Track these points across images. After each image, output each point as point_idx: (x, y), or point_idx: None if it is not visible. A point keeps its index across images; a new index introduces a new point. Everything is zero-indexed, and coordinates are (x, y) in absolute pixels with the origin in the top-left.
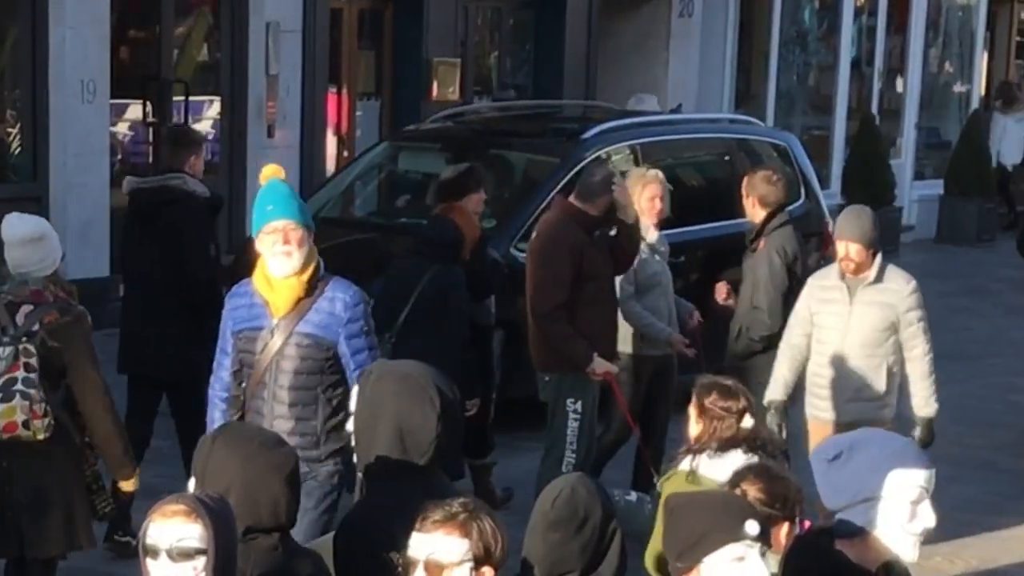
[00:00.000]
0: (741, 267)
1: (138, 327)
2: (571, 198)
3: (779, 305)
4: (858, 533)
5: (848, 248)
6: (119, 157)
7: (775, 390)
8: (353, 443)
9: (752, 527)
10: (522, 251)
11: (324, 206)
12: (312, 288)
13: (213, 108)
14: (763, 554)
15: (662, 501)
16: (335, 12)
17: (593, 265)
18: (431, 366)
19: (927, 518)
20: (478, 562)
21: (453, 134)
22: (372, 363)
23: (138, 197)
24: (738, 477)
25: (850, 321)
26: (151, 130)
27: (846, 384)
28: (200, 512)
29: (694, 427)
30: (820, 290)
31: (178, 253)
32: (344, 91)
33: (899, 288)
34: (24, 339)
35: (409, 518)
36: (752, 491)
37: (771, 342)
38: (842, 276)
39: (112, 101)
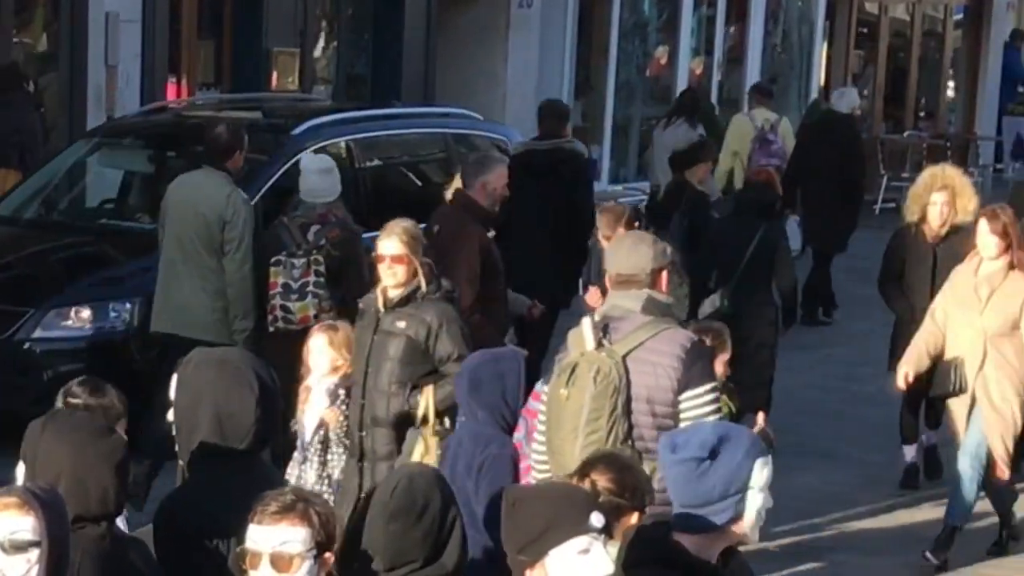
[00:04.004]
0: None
1: (526, 264)
2: (460, 188)
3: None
4: (696, 523)
5: None
6: None
7: None
8: (174, 431)
9: (597, 519)
10: None
11: (22, 206)
12: None
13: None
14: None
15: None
16: (175, 2)
17: (495, 264)
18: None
19: (768, 499)
20: (320, 549)
21: (157, 129)
22: (191, 351)
23: (532, 156)
24: (587, 467)
25: None
26: None
27: None
28: (32, 504)
29: None
30: None
31: (570, 202)
32: (184, 81)
33: None
34: (314, 252)
35: (229, 503)
36: (602, 481)
37: None
38: None
39: None
